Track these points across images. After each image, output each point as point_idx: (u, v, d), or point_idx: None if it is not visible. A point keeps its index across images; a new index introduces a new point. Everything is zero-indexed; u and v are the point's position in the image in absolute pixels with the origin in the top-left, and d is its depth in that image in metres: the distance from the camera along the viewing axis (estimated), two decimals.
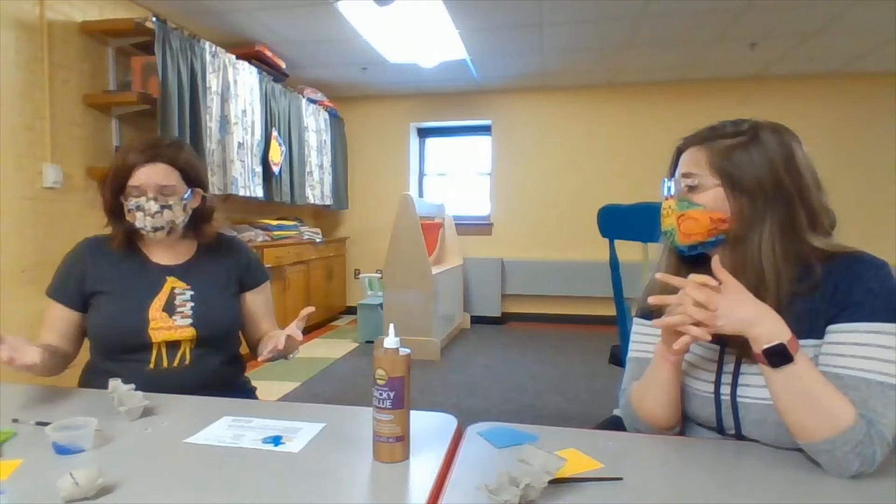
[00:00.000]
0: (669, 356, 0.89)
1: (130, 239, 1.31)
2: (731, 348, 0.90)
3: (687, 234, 0.91)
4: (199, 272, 1.33)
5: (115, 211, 1.27)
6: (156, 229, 1.25)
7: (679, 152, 0.96)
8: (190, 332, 1.26)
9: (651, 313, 0.99)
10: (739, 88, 4.95)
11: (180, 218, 1.28)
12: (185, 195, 1.28)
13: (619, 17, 3.58)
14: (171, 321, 1.25)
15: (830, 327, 0.82)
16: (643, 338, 1.04)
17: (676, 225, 0.92)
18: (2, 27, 2.50)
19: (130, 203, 1.23)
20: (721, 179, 0.89)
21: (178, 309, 1.27)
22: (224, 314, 1.33)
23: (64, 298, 1.26)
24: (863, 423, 0.74)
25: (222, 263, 1.37)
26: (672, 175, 0.97)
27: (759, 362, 0.79)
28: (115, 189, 1.25)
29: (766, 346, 0.77)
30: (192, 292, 1.29)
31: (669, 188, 0.96)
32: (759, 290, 0.83)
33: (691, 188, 0.91)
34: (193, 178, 1.30)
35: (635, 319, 1.07)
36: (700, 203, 0.89)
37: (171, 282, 1.29)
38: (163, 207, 1.24)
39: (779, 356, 0.76)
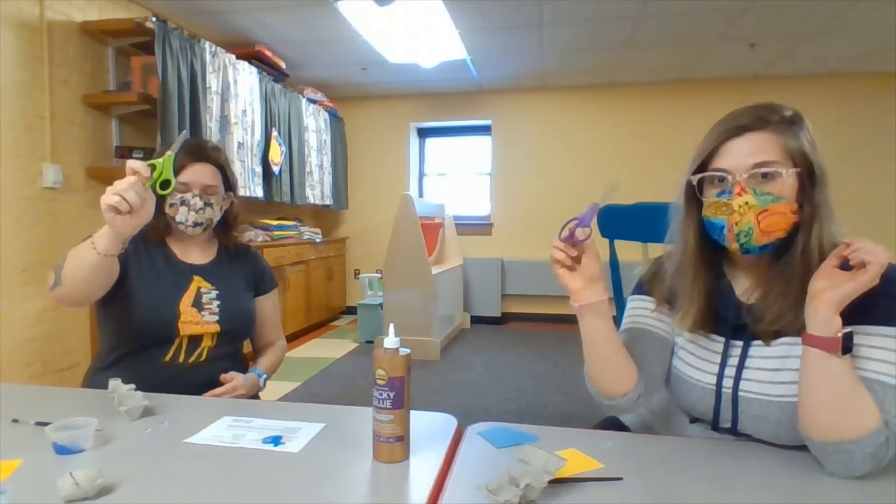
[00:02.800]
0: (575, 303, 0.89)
1: (160, 234, 1.35)
2: (756, 335, 0.87)
3: (767, 231, 0.81)
4: (222, 274, 1.38)
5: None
6: (196, 224, 1.30)
7: (720, 142, 0.85)
8: (215, 328, 1.30)
9: (647, 292, 1.00)
10: (739, 88, 4.94)
11: (217, 217, 1.35)
12: (224, 196, 1.36)
13: (619, 17, 3.58)
14: (199, 316, 1.28)
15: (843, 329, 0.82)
16: (639, 311, 1.03)
17: (756, 223, 0.81)
18: (2, 27, 2.50)
19: (175, 198, 1.28)
20: (801, 165, 0.82)
21: (206, 306, 1.30)
22: (246, 314, 1.39)
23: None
24: (883, 426, 0.74)
25: (241, 268, 1.43)
26: (698, 171, 0.87)
27: (818, 346, 0.75)
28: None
29: (846, 331, 0.74)
30: (217, 292, 1.33)
31: (730, 185, 0.83)
32: (803, 281, 0.80)
33: (766, 177, 0.82)
34: (229, 181, 1.38)
35: (632, 296, 1.05)
36: (783, 195, 0.81)
37: (197, 281, 1.33)
38: (206, 205, 1.30)
39: (848, 343, 0.74)
